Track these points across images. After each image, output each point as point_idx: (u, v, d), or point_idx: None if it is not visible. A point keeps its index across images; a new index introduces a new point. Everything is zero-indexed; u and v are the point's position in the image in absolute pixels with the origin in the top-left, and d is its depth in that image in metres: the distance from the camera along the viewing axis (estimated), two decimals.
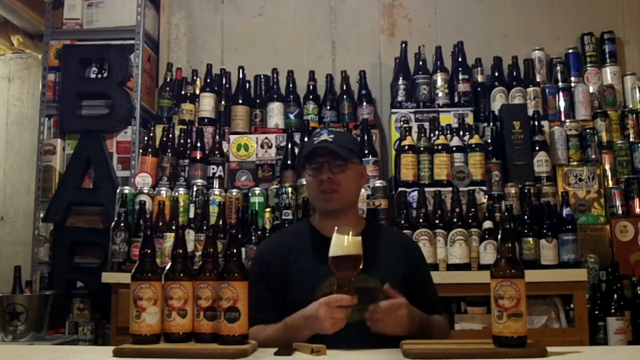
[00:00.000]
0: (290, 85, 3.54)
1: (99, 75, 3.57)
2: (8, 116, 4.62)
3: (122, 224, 2.96)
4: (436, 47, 3.46)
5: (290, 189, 3.05)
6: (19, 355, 1.66)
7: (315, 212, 2.04)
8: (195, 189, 3.13)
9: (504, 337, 1.48)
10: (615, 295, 2.91)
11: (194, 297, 1.58)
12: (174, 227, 2.90)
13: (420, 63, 3.42)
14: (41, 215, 3.44)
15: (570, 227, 2.88)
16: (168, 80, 3.59)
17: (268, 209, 3.05)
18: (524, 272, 1.50)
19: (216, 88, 3.56)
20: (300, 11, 3.86)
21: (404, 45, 3.47)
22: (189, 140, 3.36)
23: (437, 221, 2.89)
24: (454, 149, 3.08)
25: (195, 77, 3.62)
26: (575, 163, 3.27)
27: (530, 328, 1.99)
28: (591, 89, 3.49)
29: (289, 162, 3.22)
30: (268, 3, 3.89)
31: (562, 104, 3.46)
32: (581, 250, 2.98)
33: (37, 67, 4.37)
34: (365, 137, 3.24)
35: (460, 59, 3.43)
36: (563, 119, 3.42)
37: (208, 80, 3.58)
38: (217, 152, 3.31)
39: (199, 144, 3.32)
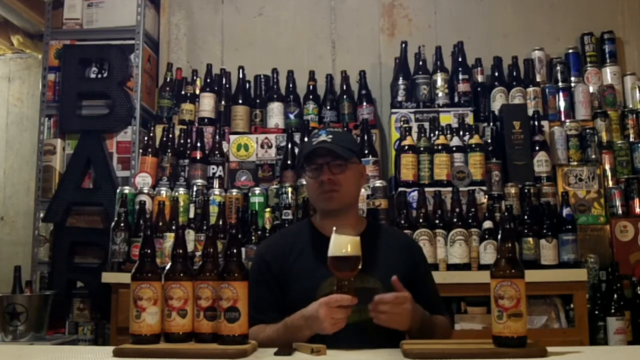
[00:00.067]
0: (290, 85, 3.54)
1: (99, 75, 3.57)
2: (8, 116, 4.63)
3: (122, 224, 2.96)
4: (436, 47, 3.46)
5: (290, 189, 3.05)
6: (19, 355, 1.66)
7: (316, 212, 2.04)
8: (195, 189, 3.13)
9: (504, 337, 1.48)
10: (615, 295, 2.91)
11: (194, 297, 1.58)
12: (174, 227, 2.90)
13: (420, 63, 3.42)
14: (41, 215, 3.44)
15: (570, 227, 2.88)
16: (168, 80, 3.59)
17: (268, 209, 3.05)
18: (524, 272, 1.51)
19: (216, 88, 3.56)
20: (300, 11, 3.86)
21: (404, 45, 3.47)
22: (189, 140, 3.36)
23: (437, 221, 2.89)
24: (454, 149, 3.08)
25: (195, 77, 3.62)
26: (575, 163, 3.27)
27: (530, 328, 1.99)
28: (591, 89, 3.49)
29: (289, 162, 3.22)
30: (268, 3, 3.89)
31: (562, 104, 3.46)
32: (581, 250, 2.98)
33: (37, 67, 4.37)
34: (365, 137, 3.24)
35: (460, 59, 3.43)
36: (563, 119, 3.42)
37: (208, 80, 3.58)
38: (217, 152, 3.31)
39: (199, 144, 3.32)
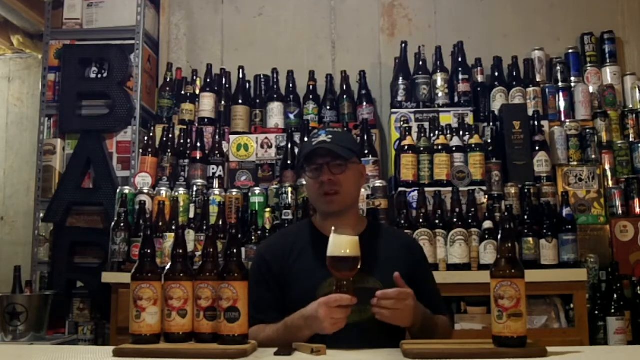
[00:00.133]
0: (290, 85, 3.54)
1: (99, 75, 3.57)
2: (8, 116, 4.63)
3: (122, 224, 2.96)
4: (436, 47, 3.46)
5: (290, 189, 3.05)
6: (19, 355, 1.66)
7: (316, 212, 2.04)
8: (195, 189, 3.13)
9: (504, 337, 1.48)
10: (615, 295, 2.91)
11: (194, 297, 1.58)
12: (174, 227, 2.90)
13: (420, 63, 3.41)
14: (41, 215, 3.44)
15: (570, 227, 2.88)
16: (168, 80, 3.59)
17: (268, 209, 3.05)
18: (524, 272, 1.51)
19: (216, 88, 3.56)
20: (300, 11, 3.86)
21: (404, 45, 3.47)
22: (189, 140, 3.36)
23: (437, 221, 2.89)
24: (454, 149, 3.08)
25: (195, 77, 3.62)
26: (575, 163, 3.27)
27: (530, 328, 2.00)
28: (591, 89, 3.49)
29: (289, 162, 3.22)
30: (268, 3, 3.89)
31: (562, 104, 3.46)
32: (581, 250, 2.98)
33: (37, 67, 4.37)
34: (365, 137, 3.24)
35: (460, 59, 3.43)
36: (563, 119, 3.42)
37: (208, 80, 3.58)
38: (217, 152, 3.31)
39: (199, 144, 3.32)
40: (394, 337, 1.70)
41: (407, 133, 3.12)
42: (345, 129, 3.30)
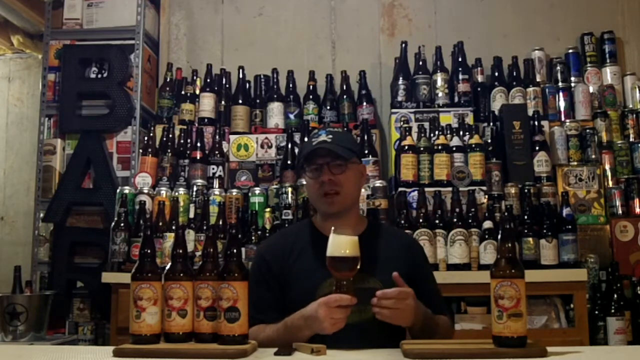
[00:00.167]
0: (290, 85, 3.54)
1: (99, 75, 3.57)
2: (8, 116, 4.63)
3: (122, 224, 2.96)
4: (436, 47, 3.46)
5: (290, 189, 3.05)
6: (19, 355, 1.66)
7: (316, 212, 2.04)
8: (195, 189, 3.13)
9: (504, 337, 1.48)
10: (615, 295, 2.91)
11: (194, 297, 1.58)
12: (174, 227, 2.90)
13: (420, 63, 3.41)
14: (41, 215, 3.44)
15: (570, 227, 2.88)
16: (168, 80, 3.59)
17: (268, 209, 3.05)
18: (524, 272, 1.51)
19: (216, 88, 3.56)
20: (300, 11, 3.86)
21: (404, 45, 3.47)
22: (189, 140, 3.36)
23: (437, 221, 2.89)
24: (454, 149, 3.08)
25: (195, 77, 3.62)
26: (575, 163, 3.27)
27: (530, 328, 2.00)
28: (591, 89, 3.49)
29: (289, 162, 3.22)
30: (268, 3, 3.89)
31: (562, 104, 3.46)
32: (581, 250, 2.98)
33: (37, 67, 4.37)
34: (365, 137, 3.24)
35: (460, 59, 3.43)
36: (563, 119, 3.42)
37: (208, 80, 3.58)
38: (217, 152, 3.31)
39: (199, 144, 3.32)
40: (394, 337, 1.70)
41: (407, 133, 3.12)
42: (345, 129, 3.30)
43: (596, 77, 3.55)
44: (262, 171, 3.33)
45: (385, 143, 3.53)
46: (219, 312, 1.54)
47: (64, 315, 3.27)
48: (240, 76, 3.59)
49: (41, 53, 3.84)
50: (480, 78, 3.44)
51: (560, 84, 3.52)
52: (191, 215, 3.06)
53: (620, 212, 3.19)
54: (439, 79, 3.35)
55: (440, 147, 3.07)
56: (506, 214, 2.86)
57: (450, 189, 2.97)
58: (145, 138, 3.39)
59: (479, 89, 3.43)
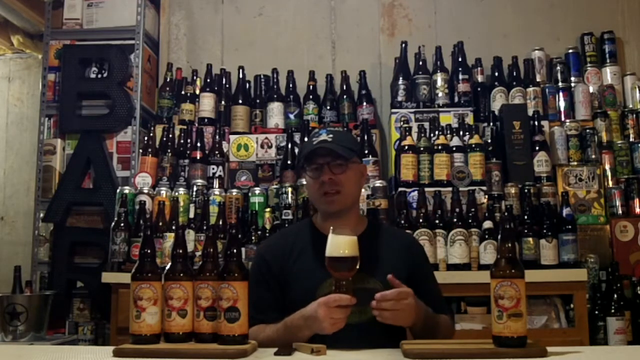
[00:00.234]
0: (290, 85, 3.54)
1: (99, 75, 3.57)
2: (8, 116, 4.63)
3: (122, 224, 2.96)
4: (436, 47, 3.46)
5: (290, 189, 3.05)
6: (19, 355, 1.66)
7: (316, 211, 2.04)
8: (195, 189, 3.13)
9: (504, 337, 1.48)
10: (615, 295, 2.91)
11: (194, 297, 1.58)
12: (174, 227, 2.90)
13: (420, 63, 3.41)
14: (41, 215, 3.44)
15: (570, 227, 2.88)
16: (168, 80, 3.59)
17: (268, 209, 3.05)
18: (524, 272, 1.51)
19: (216, 88, 3.56)
20: (300, 11, 3.86)
21: (404, 45, 3.47)
22: (189, 140, 3.36)
23: (437, 221, 2.89)
24: (454, 149, 3.08)
25: (195, 77, 3.62)
26: (575, 163, 3.27)
27: (530, 328, 2.00)
28: (591, 89, 3.49)
29: (289, 162, 3.22)
30: (268, 3, 3.89)
31: (562, 104, 3.46)
32: (581, 250, 2.98)
33: (37, 67, 4.37)
34: (365, 137, 3.24)
35: (460, 59, 3.43)
36: (563, 119, 3.42)
37: (208, 80, 3.58)
38: (217, 152, 3.31)
39: (199, 144, 3.32)
40: (394, 337, 1.70)
41: (407, 133, 3.12)
42: (345, 129, 3.30)
43: (596, 77, 3.55)
44: (262, 171, 3.33)
45: (385, 143, 3.53)
46: (219, 312, 1.54)
47: (64, 315, 3.27)
48: (240, 76, 3.59)
49: (41, 53, 3.84)
50: (480, 78, 3.44)
51: (560, 84, 3.52)
52: (191, 215, 3.06)
53: (620, 212, 3.19)
54: (439, 79, 3.35)
55: (440, 147, 3.07)
56: (506, 214, 2.86)
57: (450, 189, 2.97)
58: (145, 138, 3.39)
59: (479, 89, 3.43)
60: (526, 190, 3.00)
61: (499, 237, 1.57)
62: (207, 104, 3.49)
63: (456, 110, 3.29)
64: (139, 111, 3.48)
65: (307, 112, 3.44)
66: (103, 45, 3.56)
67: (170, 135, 3.34)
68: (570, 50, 3.61)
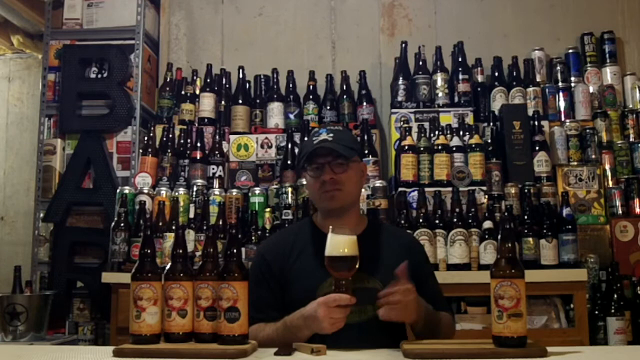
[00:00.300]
0: (290, 85, 3.54)
1: (99, 75, 3.57)
2: (8, 116, 4.62)
3: (122, 224, 2.95)
4: (436, 47, 3.46)
5: (290, 189, 3.05)
6: (18, 355, 1.66)
7: (317, 211, 2.04)
8: (195, 189, 3.13)
9: (504, 337, 1.48)
10: (615, 295, 2.91)
11: (194, 297, 1.58)
12: (174, 227, 2.90)
13: (420, 63, 3.41)
14: (41, 215, 3.44)
15: (570, 227, 2.88)
16: (168, 80, 3.59)
17: (268, 209, 3.05)
18: (524, 272, 1.51)
19: (216, 88, 3.56)
20: (300, 11, 3.86)
21: (404, 45, 3.47)
22: (189, 140, 3.36)
23: (437, 221, 2.89)
24: (454, 149, 3.08)
25: (195, 77, 3.62)
26: (575, 163, 3.27)
27: (530, 328, 1.99)
28: (591, 89, 3.49)
29: (289, 162, 3.22)
30: (268, 3, 3.89)
31: (562, 104, 3.46)
32: (581, 250, 2.98)
33: (37, 67, 4.37)
34: (365, 137, 3.24)
35: (460, 59, 3.43)
36: (563, 119, 3.42)
37: (208, 80, 3.58)
38: (217, 152, 3.31)
39: (199, 144, 3.32)
40: (394, 337, 1.70)
41: (407, 133, 3.12)
42: (345, 128, 3.30)
43: (596, 77, 3.55)
44: (262, 171, 3.33)
45: (385, 143, 3.53)
46: (219, 312, 1.54)
47: (64, 315, 3.27)
48: (240, 76, 3.59)
49: (41, 53, 3.84)
50: (480, 78, 3.44)
51: (560, 84, 3.52)
52: (191, 215, 3.06)
53: (620, 212, 3.19)
54: (439, 79, 3.35)
55: (440, 147, 3.07)
56: (506, 214, 2.86)
57: (450, 189, 2.97)
58: (145, 138, 3.39)
59: (479, 89, 3.43)
60: (526, 190, 3.00)
61: (499, 237, 1.57)
62: (207, 104, 3.49)
63: (456, 110, 3.29)
64: (139, 111, 3.48)
65: (307, 112, 3.44)
66: (103, 45, 3.56)
67: (170, 135, 3.34)
68: (570, 50, 3.61)
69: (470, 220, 2.87)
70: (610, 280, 2.96)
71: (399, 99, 3.35)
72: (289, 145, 3.27)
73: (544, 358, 1.46)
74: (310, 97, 3.48)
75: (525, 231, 2.85)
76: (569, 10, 3.73)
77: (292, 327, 1.72)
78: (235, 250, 1.59)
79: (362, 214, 2.33)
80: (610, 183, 3.28)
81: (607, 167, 3.30)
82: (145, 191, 3.09)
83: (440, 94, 3.34)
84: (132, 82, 3.51)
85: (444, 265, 2.84)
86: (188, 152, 3.32)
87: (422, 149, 3.08)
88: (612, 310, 2.87)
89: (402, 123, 3.24)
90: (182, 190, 3.09)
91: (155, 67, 3.79)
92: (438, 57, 3.43)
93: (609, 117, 3.41)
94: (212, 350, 1.51)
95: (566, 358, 1.49)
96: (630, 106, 3.49)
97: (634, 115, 3.42)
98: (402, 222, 2.90)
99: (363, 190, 2.86)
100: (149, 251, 1.61)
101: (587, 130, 3.31)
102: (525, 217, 2.92)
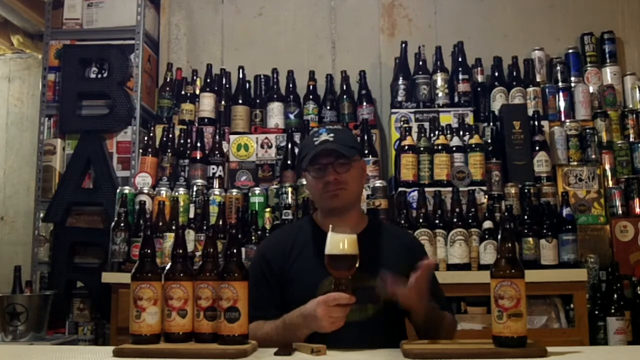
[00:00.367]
0: (290, 85, 3.54)
1: (99, 75, 3.57)
2: (8, 116, 4.62)
3: (122, 224, 2.96)
4: (436, 47, 3.46)
5: (290, 189, 3.05)
6: (18, 355, 1.66)
7: (317, 210, 2.03)
8: (195, 189, 3.13)
9: (504, 337, 1.48)
10: (615, 295, 2.91)
11: (194, 297, 1.58)
12: (174, 227, 2.90)
13: (420, 63, 3.41)
14: (41, 215, 3.44)
15: (570, 227, 2.88)
16: (168, 80, 3.59)
17: (268, 209, 3.05)
18: (524, 272, 1.51)
19: (216, 88, 3.56)
20: (300, 11, 3.86)
21: (404, 45, 3.47)
22: (189, 140, 3.36)
23: (437, 221, 2.89)
24: (454, 149, 3.08)
25: (195, 77, 3.62)
26: (575, 163, 3.27)
27: (530, 328, 1.99)
28: (591, 89, 3.49)
29: (289, 162, 3.22)
30: (268, 3, 3.89)
31: (562, 104, 3.46)
32: (581, 250, 2.98)
33: (37, 67, 4.37)
34: (365, 137, 3.24)
35: (460, 59, 3.43)
36: (563, 119, 3.42)
37: (208, 80, 3.58)
38: (217, 152, 3.31)
39: (199, 144, 3.32)
40: (393, 337, 1.70)
41: (407, 133, 3.12)
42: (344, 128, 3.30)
43: (596, 77, 3.55)
44: (262, 171, 3.33)
45: (385, 143, 3.53)
46: (219, 312, 1.54)
47: (64, 315, 3.27)
48: (240, 76, 3.60)
49: (41, 53, 3.84)
50: (480, 78, 3.45)
51: (560, 84, 3.52)
52: (191, 215, 3.06)
53: (620, 212, 3.19)
54: (439, 79, 3.35)
55: (440, 147, 3.07)
56: (506, 214, 2.86)
57: (450, 189, 2.97)
58: (145, 138, 3.39)
59: (479, 89, 3.43)
60: (526, 190, 3.00)
61: (499, 237, 1.57)
62: (207, 104, 3.49)
63: (456, 110, 3.30)
64: (139, 111, 3.48)
65: (307, 112, 3.44)
66: (103, 45, 3.56)
67: (170, 135, 3.34)
68: (570, 50, 3.61)
69: (470, 220, 2.87)
70: (610, 280, 2.96)
71: (399, 99, 3.35)
72: (289, 145, 3.27)
73: (544, 358, 1.46)
74: (310, 97, 3.48)
75: (525, 231, 2.85)
76: (569, 10, 3.73)
77: (291, 326, 1.71)
78: (235, 250, 1.59)
79: (363, 214, 2.33)
80: (610, 183, 3.28)
81: (607, 167, 3.30)
82: (145, 191, 3.09)
83: (440, 94, 3.34)
84: (132, 82, 3.51)
85: (444, 265, 2.84)
86: (188, 152, 3.32)
87: (422, 149, 3.08)
88: (612, 310, 2.87)
89: (402, 123, 3.24)
90: (182, 190, 3.09)
91: (155, 67, 3.79)
92: (438, 57, 3.43)
93: (609, 117, 3.41)
94: (212, 350, 1.51)
95: (566, 358, 1.49)
96: (630, 106, 3.49)
97: (634, 115, 3.42)
98: (402, 222, 2.90)
99: (363, 190, 2.85)
100: (149, 251, 1.61)
101: (587, 130, 3.32)
102: (525, 217, 2.92)
